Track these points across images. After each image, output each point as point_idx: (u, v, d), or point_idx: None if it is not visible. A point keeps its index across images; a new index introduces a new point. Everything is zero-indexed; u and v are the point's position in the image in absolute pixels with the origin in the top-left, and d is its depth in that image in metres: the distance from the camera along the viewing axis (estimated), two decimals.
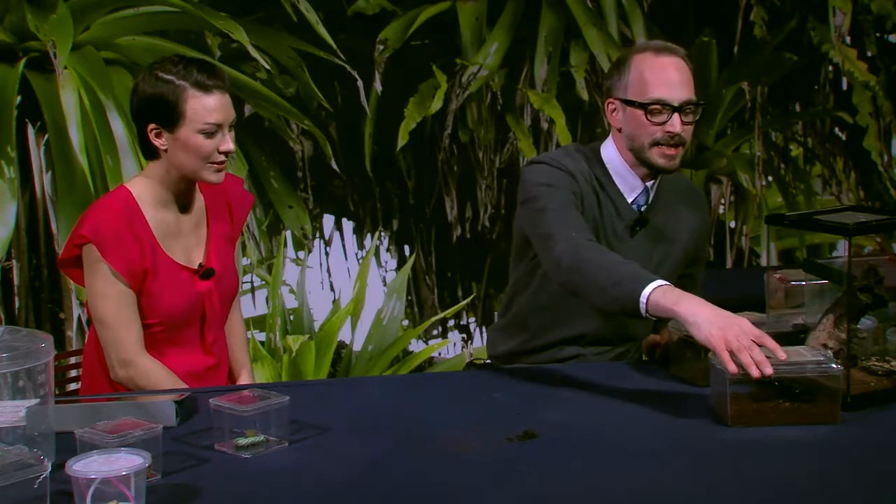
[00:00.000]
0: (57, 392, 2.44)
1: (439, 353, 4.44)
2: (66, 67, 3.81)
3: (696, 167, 4.58)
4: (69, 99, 3.85)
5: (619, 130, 2.42)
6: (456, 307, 4.42)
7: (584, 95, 4.41)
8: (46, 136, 3.88)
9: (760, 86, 4.61)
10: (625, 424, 1.98)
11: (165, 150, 2.29)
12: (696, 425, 1.95)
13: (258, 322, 4.17)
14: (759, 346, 1.90)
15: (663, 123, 2.34)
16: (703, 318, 1.94)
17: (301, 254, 4.24)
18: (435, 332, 4.44)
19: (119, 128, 3.90)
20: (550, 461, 1.79)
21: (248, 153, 4.10)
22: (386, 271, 4.36)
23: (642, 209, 2.47)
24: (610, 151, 2.46)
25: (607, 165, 2.45)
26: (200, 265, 2.39)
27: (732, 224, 4.67)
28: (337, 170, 4.23)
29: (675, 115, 2.33)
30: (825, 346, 2.04)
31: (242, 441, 1.82)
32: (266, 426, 1.85)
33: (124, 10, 4.00)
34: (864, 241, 4.04)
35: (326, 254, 4.28)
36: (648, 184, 2.46)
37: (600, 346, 2.52)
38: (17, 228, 3.86)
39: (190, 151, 2.27)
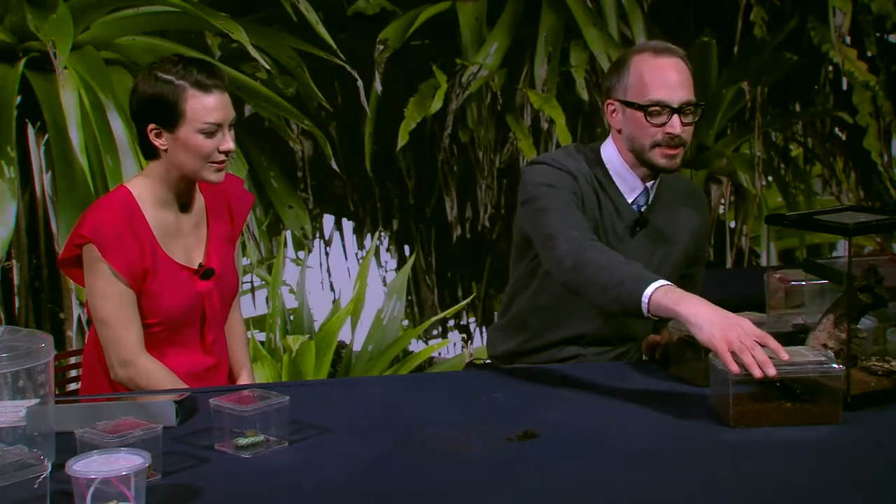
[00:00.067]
0: (57, 392, 2.44)
1: (439, 353, 4.44)
2: (66, 67, 3.81)
3: (696, 167, 4.58)
4: (69, 99, 3.85)
5: (619, 131, 2.42)
6: (456, 307, 4.42)
7: (584, 95, 4.41)
8: (46, 136, 3.88)
9: (760, 86, 4.61)
10: (625, 424, 1.98)
11: (165, 150, 2.29)
12: (696, 425, 1.95)
13: (258, 322, 4.16)
14: (762, 346, 1.90)
15: (663, 125, 2.33)
16: (704, 318, 1.94)
17: (301, 254, 4.23)
18: (435, 332, 4.44)
19: (119, 128, 3.90)
20: (550, 461, 1.79)
21: (248, 153, 4.10)
22: (386, 271, 4.36)
23: (642, 209, 2.47)
24: (610, 152, 2.46)
25: (607, 166, 2.45)
26: (200, 265, 2.39)
27: (732, 224, 4.67)
28: (337, 170, 4.23)
29: (675, 117, 2.33)
30: (825, 346, 2.04)
31: (242, 441, 1.82)
32: (266, 426, 1.85)
33: (124, 10, 4.00)
34: (864, 241, 4.04)
35: (326, 254, 4.28)
36: (648, 184, 2.46)
37: (600, 346, 2.52)
38: (17, 228, 3.86)
39: (190, 151, 2.27)
